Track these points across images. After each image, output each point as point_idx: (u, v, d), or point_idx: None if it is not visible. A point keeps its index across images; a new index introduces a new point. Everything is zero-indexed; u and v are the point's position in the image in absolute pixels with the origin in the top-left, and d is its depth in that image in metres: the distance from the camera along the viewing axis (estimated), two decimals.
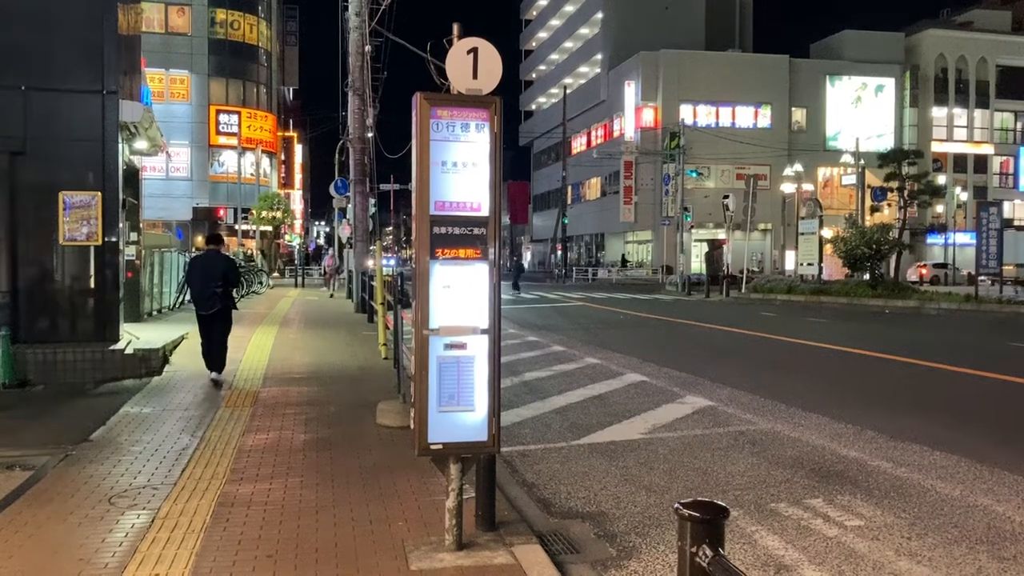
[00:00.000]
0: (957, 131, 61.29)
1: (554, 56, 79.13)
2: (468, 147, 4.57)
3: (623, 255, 61.59)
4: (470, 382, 4.53)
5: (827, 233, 34.91)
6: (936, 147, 59.72)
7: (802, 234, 34.10)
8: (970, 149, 61.43)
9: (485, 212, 4.61)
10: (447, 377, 4.50)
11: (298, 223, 67.18)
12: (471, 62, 4.70)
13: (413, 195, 4.59)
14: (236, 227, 44.30)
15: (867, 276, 30.64)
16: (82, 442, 6.87)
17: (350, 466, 6.19)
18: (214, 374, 9.99)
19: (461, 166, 4.55)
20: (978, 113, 61.51)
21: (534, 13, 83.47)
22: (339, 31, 27.59)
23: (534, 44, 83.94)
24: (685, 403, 9.42)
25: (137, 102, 11.37)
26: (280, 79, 59.30)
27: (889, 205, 35.74)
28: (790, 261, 54.65)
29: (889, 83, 59.72)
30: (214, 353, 10.03)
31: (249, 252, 41.21)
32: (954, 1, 69.37)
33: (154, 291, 17.37)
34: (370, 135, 24.22)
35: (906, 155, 31.02)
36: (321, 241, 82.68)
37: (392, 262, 55.13)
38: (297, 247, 62.47)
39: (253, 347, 13.23)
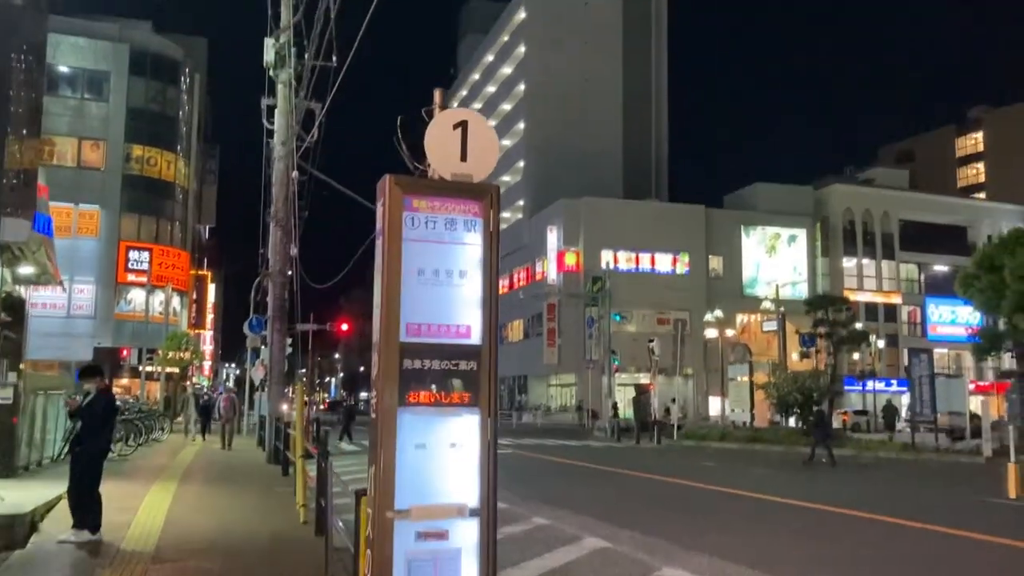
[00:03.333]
0: (867, 280, 63.40)
1: None
2: (455, 251, 3.33)
3: (517, 398, 61.18)
4: None
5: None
6: (848, 295, 61.42)
7: (732, 379, 33.59)
8: (880, 298, 63.39)
9: (476, 339, 3.32)
10: None
11: (207, 365, 64.15)
12: (458, 139, 3.50)
13: (376, 314, 3.27)
14: (140, 368, 41.55)
15: (794, 422, 30.12)
16: None
17: None
18: (100, 533, 8.56)
19: (444, 276, 3.29)
20: (885, 264, 63.96)
21: None
22: (263, 161, 26.62)
23: None
24: None
25: (24, 220, 9.85)
26: (196, 217, 57.85)
27: (818, 351, 35.79)
28: (713, 407, 54.29)
29: (801, 233, 61.81)
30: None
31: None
32: (855, 159, 73.61)
33: (35, 439, 15.18)
34: (289, 272, 22.87)
35: (833, 302, 31.22)
36: (231, 384, 79.17)
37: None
38: (206, 389, 59.28)
39: (147, 508, 11.26)
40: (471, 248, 3.31)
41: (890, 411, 45.36)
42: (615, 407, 41.24)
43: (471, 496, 3.18)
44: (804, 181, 65.42)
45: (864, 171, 71.38)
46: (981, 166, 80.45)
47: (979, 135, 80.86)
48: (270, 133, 21.43)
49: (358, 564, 3.59)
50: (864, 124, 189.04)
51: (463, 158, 3.47)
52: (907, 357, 62.31)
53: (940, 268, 63.61)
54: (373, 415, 3.21)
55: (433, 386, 3.22)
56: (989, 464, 22.61)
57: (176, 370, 45.68)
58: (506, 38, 76.22)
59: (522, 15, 72.28)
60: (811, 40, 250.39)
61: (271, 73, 18.63)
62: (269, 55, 17.82)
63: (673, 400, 34.96)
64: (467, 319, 3.26)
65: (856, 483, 18.46)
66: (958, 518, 12.28)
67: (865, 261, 63.44)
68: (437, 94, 3.72)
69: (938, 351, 62.69)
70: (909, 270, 65.28)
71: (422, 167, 3.55)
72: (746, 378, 33.02)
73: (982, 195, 76.29)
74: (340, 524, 7.81)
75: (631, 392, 46.21)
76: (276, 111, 18.86)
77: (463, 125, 3.51)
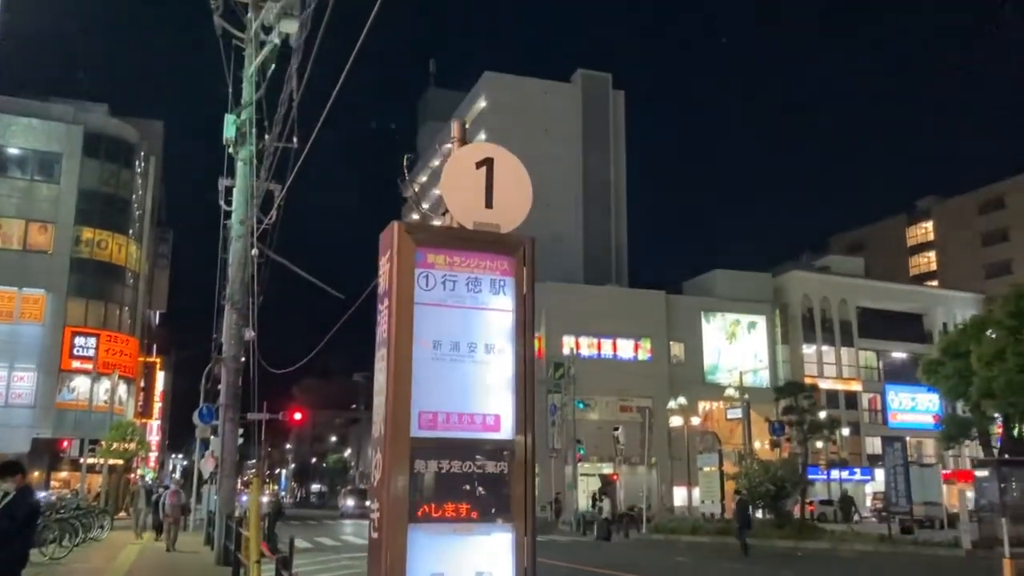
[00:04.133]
0: (827, 368, 63.45)
1: None
2: (480, 318, 2.60)
3: None
4: None
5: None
6: (808, 383, 61.27)
7: (701, 469, 32.73)
8: (841, 386, 63.41)
9: (507, 431, 2.57)
10: None
11: (153, 456, 61.60)
12: (482, 181, 2.81)
13: (378, 400, 2.50)
14: (81, 460, 39.45)
15: (761, 514, 29.43)
16: None
17: None
18: None
19: (467, 350, 2.56)
20: (844, 351, 64.19)
21: None
22: (219, 245, 25.78)
23: None
24: None
25: None
26: (147, 302, 56.26)
27: (788, 440, 35.19)
28: (678, 497, 53.16)
29: (761, 320, 61.97)
30: None
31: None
32: (811, 246, 74.79)
33: None
34: (243, 359, 21.80)
35: (802, 388, 30.81)
36: (176, 475, 76.17)
37: (243, 499, 49.95)
38: (151, 481, 56.71)
39: None
40: (499, 315, 2.57)
41: (847, 502, 45.22)
42: (594, 499, 39.91)
43: None
44: (762, 267, 66.11)
45: (820, 258, 72.42)
46: (932, 255, 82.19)
47: (929, 224, 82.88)
48: (227, 215, 20.69)
49: None
50: (818, 212, 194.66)
51: (488, 204, 2.77)
52: (869, 445, 62.12)
53: (898, 355, 64.16)
54: (375, 534, 2.42)
55: (453, 495, 2.45)
56: (970, 557, 21.93)
57: (120, 462, 43.55)
58: (466, 126, 76.98)
59: (482, 104, 73.22)
60: (767, 129, 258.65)
61: (230, 150, 18.00)
62: (230, 131, 17.20)
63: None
64: (496, 406, 2.51)
65: None
66: None
67: (825, 348, 63.69)
68: (455, 126, 3.03)
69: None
70: (868, 357, 65.62)
71: (429, 212, 2.83)
72: (714, 468, 32.17)
73: (934, 283, 77.69)
74: None
75: (595, 483, 44.98)
76: (235, 189, 18.16)
77: (488, 164, 2.82)
